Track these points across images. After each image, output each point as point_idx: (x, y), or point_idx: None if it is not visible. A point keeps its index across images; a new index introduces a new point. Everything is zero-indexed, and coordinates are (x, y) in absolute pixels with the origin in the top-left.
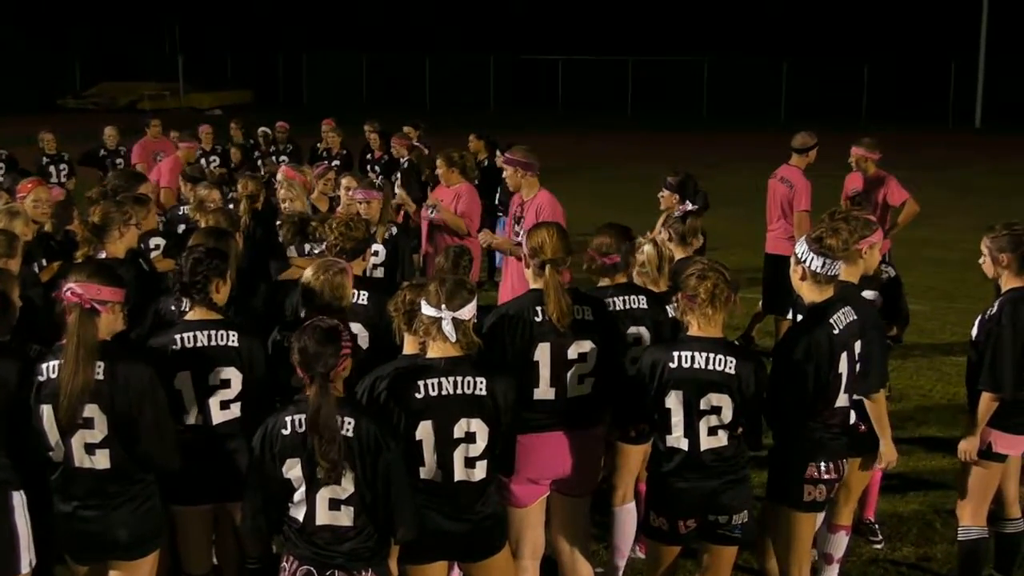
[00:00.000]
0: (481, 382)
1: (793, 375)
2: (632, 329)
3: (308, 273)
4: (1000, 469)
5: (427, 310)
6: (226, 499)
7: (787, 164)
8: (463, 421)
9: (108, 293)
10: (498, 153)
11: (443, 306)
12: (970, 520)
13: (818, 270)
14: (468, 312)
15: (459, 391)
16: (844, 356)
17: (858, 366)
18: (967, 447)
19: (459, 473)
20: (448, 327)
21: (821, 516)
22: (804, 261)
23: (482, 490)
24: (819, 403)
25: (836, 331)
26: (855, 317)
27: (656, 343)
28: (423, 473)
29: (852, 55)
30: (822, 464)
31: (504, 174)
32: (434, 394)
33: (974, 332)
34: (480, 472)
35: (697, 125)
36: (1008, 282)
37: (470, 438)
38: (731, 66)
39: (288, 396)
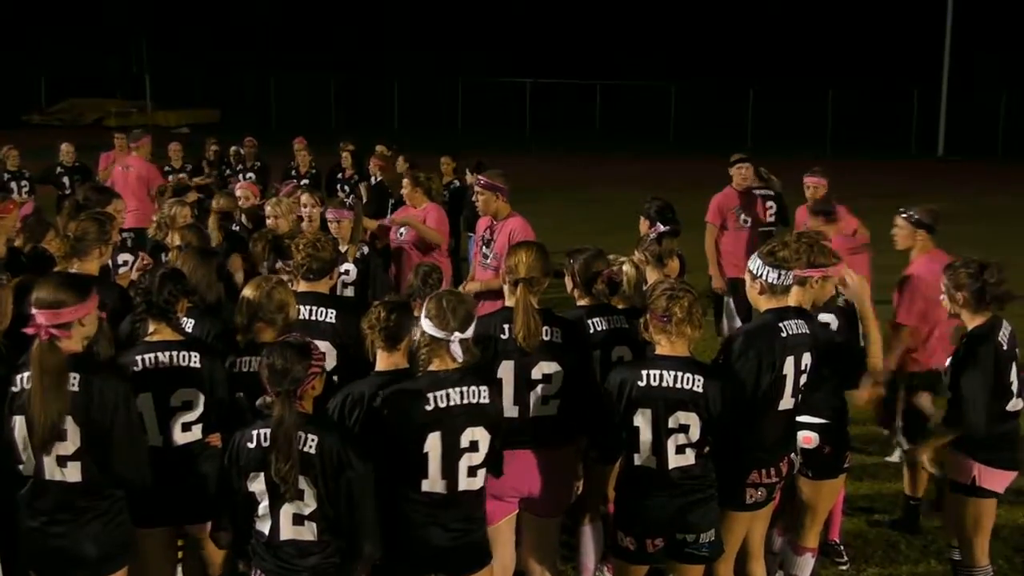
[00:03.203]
0: (484, 391)
1: (739, 368)
2: (616, 349)
3: (247, 290)
4: (993, 503)
5: (431, 330)
6: (187, 521)
7: None
8: (468, 430)
9: (69, 313)
10: (468, 173)
11: (451, 330)
12: (981, 558)
13: (774, 282)
14: (472, 331)
15: (465, 400)
16: (791, 360)
17: (804, 377)
18: (924, 454)
19: (463, 483)
20: (456, 348)
21: (765, 516)
22: (760, 275)
23: (479, 499)
24: (763, 402)
25: (784, 334)
26: (807, 331)
27: (623, 362)
28: (425, 486)
29: (817, 83)
30: (763, 469)
31: (477, 198)
32: (443, 405)
33: (946, 379)
34: (480, 481)
35: (664, 150)
36: (969, 321)
37: (474, 447)
38: (698, 92)
39: (243, 421)
